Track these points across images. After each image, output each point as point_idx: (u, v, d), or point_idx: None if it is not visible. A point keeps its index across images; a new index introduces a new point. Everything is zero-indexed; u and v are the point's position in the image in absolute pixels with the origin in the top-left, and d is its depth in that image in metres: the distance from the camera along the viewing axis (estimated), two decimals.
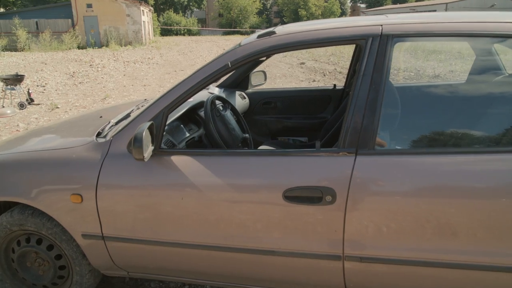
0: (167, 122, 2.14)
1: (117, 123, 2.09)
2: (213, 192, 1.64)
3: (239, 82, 3.31)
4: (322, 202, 1.52)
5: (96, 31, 26.42)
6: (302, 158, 1.57)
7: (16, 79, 7.36)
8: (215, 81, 1.72)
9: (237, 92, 3.21)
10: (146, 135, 1.56)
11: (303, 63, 13.72)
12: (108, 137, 1.85)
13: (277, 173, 1.58)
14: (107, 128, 2.05)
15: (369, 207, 1.50)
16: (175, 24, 48.25)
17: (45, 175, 1.84)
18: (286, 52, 14.28)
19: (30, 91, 8.03)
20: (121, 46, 24.93)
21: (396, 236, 1.50)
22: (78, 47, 24.36)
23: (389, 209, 1.49)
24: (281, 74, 11.39)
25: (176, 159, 1.70)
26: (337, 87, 3.20)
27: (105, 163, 1.77)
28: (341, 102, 3.15)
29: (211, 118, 1.98)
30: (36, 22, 25.22)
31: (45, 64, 15.61)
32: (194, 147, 2.17)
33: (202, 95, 3.00)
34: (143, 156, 1.53)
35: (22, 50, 22.29)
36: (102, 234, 1.83)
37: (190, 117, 2.36)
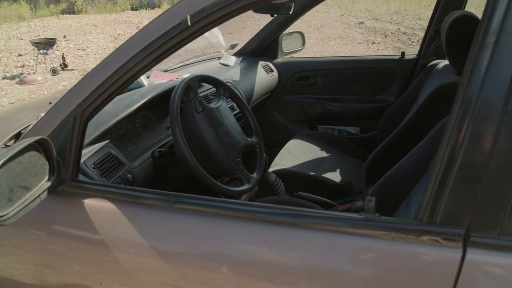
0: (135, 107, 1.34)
1: None
2: (146, 276, 0.83)
3: (265, 48, 2.40)
4: None
5: None
6: (329, 238, 0.70)
7: (47, 43, 6.93)
8: (165, 57, 0.87)
9: (261, 63, 2.32)
10: (14, 170, 0.77)
11: (362, 23, 12.20)
12: None
13: (274, 265, 0.73)
14: (30, 127, 1.29)
15: None
16: None
17: None
18: (344, 11, 12.91)
19: (64, 56, 7.63)
20: None
21: None
22: (132, 9, 24.11)
23: None
24: (336, 35, 10.14)
25: (93, 205, 0.90)
26: (406, 56, 2.19)
27: None
28: (411, 79, 2.15)
29: (177, 119, 1.14)
30: None
31: (95, 26, 15.40)
32: (166, 162, 1.35)
33: (210, 67, 2.15)
34: None
35: (79, 13, 22.50)
36: None
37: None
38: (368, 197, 0.69)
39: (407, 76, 2.18)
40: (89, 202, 0.90)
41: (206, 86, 1.72)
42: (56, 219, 0.93)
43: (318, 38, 9.72)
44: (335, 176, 1.80)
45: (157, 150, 1.28)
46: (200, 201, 0.80)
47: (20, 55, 9.16)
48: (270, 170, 1.80)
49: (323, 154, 1.98)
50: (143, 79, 1.54)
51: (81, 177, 0.99)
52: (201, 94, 1.67)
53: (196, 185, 1.24)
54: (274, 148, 2.39)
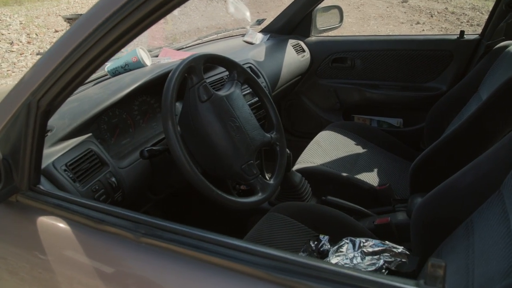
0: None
1: None
2: None
3: (296, 24, 2.10)
4: None
5: None
6: None
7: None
8: (145, 26, 0.62)
9: (291, 41, 2.03)
10: None
11: (405, 1, 11.44)
12: None
13: None
14: None
15: None
16: None
17: None
18: None
19: None
20: None
21: None
22: None
23: None
24: (376, 15, 9.56)
25: (45, 226, 0.69)
26: (466, 36, 1.83)
27: None
28: (471, 64, 1.80)
29: (171, 110, 0.89)
30: None
31: None
32: (164, 160, 1.11)
33: (232, 45, 1.89)
34: None
35: None
36: None
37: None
38: (433, 259, 0.43)
39: (465, 60, 1.82)
40: (42, 221, 0.69)
41: (221, 68, 1.46)
42: (5, 237, 0.73)
43: (357, 17, 9.21)
44: (372, 177, 1.52)
45: (147, 149, 1.04)
46: (180, 238, 0.55)
47: (56, 31, 9.23)
48: (295, 168, 1.54)
49: (359, 149, 1.69)
50: (144, 57, 1.30)
51: (44, 184, 0.77)
52: (213, 78, 1.42)
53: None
54: (302, 139, 2.12)
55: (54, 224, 0.67)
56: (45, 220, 0.68)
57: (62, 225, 0.66)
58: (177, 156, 0.90)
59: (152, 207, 1.48)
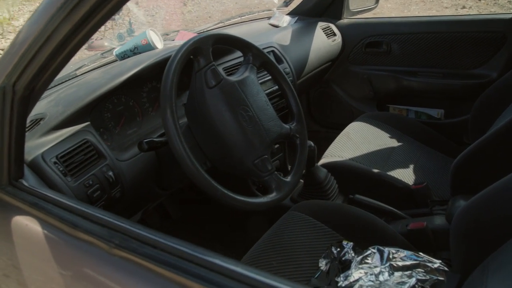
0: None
1: None
2: None
3: (327, 5, 1.95)
4: None
5: None
6: None
7: None
8: (114, 8, 0.52)
9: (320, 24, 1.88)
10: None
11: None
12: None
13: None
14: None
15: None
16: None
17: None
18: None
19: (131, 22, 7.64)
20: None
21: None
22: None
23: None
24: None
25: (20, 227, 0.61)
26: None
27: None
28: None
29: (171, 96, 0.79)
30: None
31: None
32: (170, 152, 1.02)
33: (256, 28, 1.78)
34: None
35: None
36: None
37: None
38: None
39: None
40: (17, 221, 0.60)
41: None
42: None
43: (397, 2, 8.79)
44: (407, 175, 1.37)
45: (146, 141, 0.94)
46: (158, 254, 0.45)
47: None
48: (321, 162, 1.42)
49: (393, 143, 1.54)
50: (155, 40, 1.21)
51: (29, 178, 0.69)
52: (230, 63, 1.31)
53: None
54: (331, 130, 1.99)
55: (27, 226, 0.59)
56: (19, 221, 0.60)
57: (35, 227, 0.58)
58: (175, 150, 0.80)
59: (167, 200, 1.40)
